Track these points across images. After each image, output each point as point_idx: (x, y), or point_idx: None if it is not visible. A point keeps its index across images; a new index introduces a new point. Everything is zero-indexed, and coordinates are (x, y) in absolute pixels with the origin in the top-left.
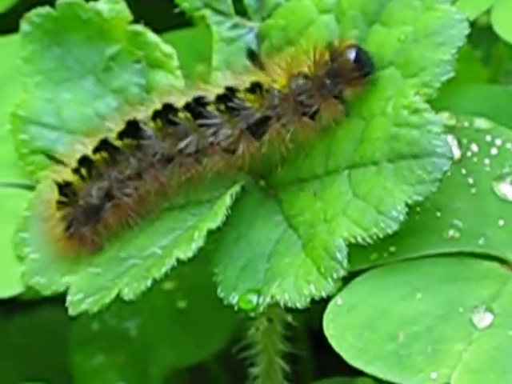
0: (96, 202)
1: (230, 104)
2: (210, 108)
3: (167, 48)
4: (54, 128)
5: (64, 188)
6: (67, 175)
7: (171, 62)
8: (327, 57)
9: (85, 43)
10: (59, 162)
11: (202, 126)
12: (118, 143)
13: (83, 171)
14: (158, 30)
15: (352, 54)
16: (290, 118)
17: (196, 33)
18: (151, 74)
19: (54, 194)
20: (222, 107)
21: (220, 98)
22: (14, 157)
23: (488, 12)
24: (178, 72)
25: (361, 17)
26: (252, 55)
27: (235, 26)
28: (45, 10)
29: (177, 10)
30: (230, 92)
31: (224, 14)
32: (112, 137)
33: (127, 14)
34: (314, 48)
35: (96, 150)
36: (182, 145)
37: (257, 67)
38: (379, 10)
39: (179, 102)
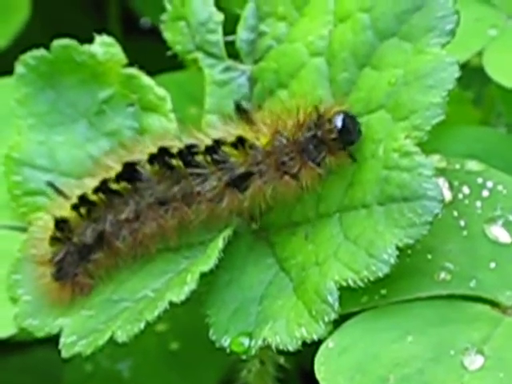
0: (90, 241)
1: (216, 156)
2: (199, 158)
3: (161, 91)
4: (46, 170)
5: (60, 223)
6: (65, 211)
7: (165, 105)
8: (313, 121)
9: (78, 86)
10: (62, 194)
11: (191, 174)
12: (115, 186)
13: (82, 209)
14: (150, 73)
15: (338, 123)
16: (272, 176)
17: (188, 75)
18: (144, 117)
19: (49, 231)
20: (209, 159)
21: (208, 150)
22: (7, 199)
23: (480, 53)
24: (172, 115)
25: (352, 60)
26: (239, 108)
27: (227, 69)
28: (40, 52)
29: (169, 53)
30: (217, 144)
31: (216, 57)
32: (111, 179)
33: (121, 57)
34: (301, 107)
35: (96, 191)
36: (175, 189)
37: (244, 120)
38: (370, 53)
39: (173, 147)
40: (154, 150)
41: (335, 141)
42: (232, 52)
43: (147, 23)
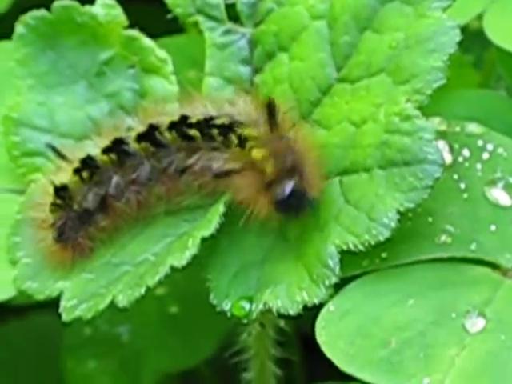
0: (92, 206)
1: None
2: (215, 131)
3: (162, 53)
4: (45, 131)
5: (60, 191)
6: (66, 177)
7: (166, 67)
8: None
9: (79, 47)
10: (62, 157)
11: (208, 146)
12: (134, 146)
13: (84, 173)
14: (150, 36)
15: (287, 190)
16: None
17: (187, 39)
18: (145, 79)
19: (49, 197)
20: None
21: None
22: (6, 162)
23: (480, 17)
24: (173, 77)
25: (353, 23)
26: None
27: (228, 32)
28: (40, 12)
29: (169, 16)
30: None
31: (217, 20)
32: (129, 138)
33: (123, 19)
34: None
35: (106, 151)
36: (193, 159)
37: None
38: (371, 17)
39: (194, 117)
40: (175, 118)
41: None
42: (232, 15)
43: None
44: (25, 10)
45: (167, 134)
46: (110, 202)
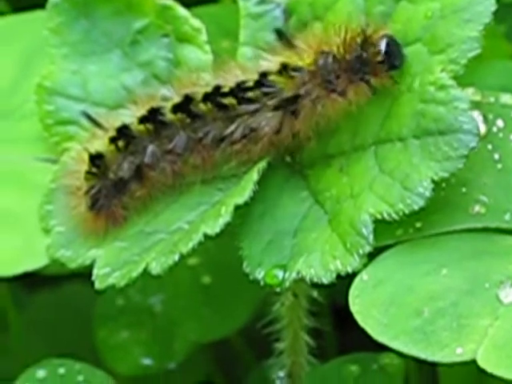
0: (126, 175)
1: (265, 89)
2: (250, 94)
3: (196, 22)
4: (79, 100)
5: (95, 159)
6: (101, 145)
7: (200, 36)
8: (358, 42)
9: (112, 16)
10: (98, 125)
11: (246, 112)
12: (170, 116)
13: (120, 142)
14: (184, 5)
15: (383, 46)
16: (319, 94)
17: (221, 9)
18: (179, 48)
19: (84, 165)
20: (259, 93)
21: (257, 84)
22: (40, 131)
23: None
24: (207, 47)
25: None
26: (280, 35)
27: (262, 2)
28: None
29: None
30: (264, 76)
31: None
32: (166, 107)
33: None
34: (344, 30)
35: (142, 120)
36: (230, 128)
37: (285, 45)
38: None
39: (226, 86)
40: (209, 89)
41: (380, 64)
42: None
43: None
44: None
45: (202, 105)
46: (145, 172)
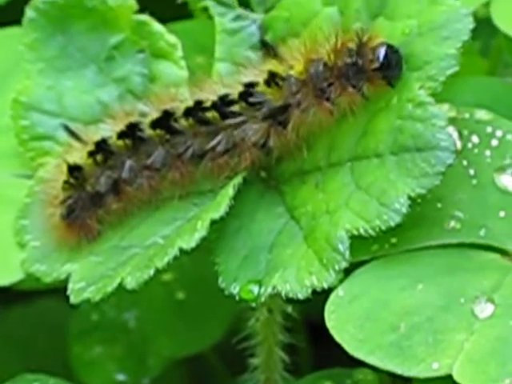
0: (103, 189)
1: (252, 99)
2: (235, 107)
3: (171, 38)
4: (54, 115)
5: (74, 170)
6: (80, 158)
7: (175, 52)
8: (353, 48)
9: (88, 32)
10: (77, 138)
11: (230, 125)
12: (149, 132)
13: (98, 156)
14: (159, 21)
15: (381, 55)
16: (311, 103)
17: (196, 24)
18: (155, 64)
19: (62, 175)
20: (244, 104)
21: (242, 95)
22: (15, 147)
23: (487, 4)
24: (182, 62)
25: (364, 9)
26: (265, 44)
27: (238, 18)
28: None
29: (179, 1)
30: (250, 87)
31: (227, 6)
32: (144, 123)
33: (133, 4)
34: (335, 36)
35: (121, 135)
36: (213, 143)
37: (270, 56)
38: (383, 3)
39: (208, 100)
40: (190, 103)
41: (376, 72)
42: (243, 0)
43: None
44: None
45: (183, 121)
46: (122, 187)
